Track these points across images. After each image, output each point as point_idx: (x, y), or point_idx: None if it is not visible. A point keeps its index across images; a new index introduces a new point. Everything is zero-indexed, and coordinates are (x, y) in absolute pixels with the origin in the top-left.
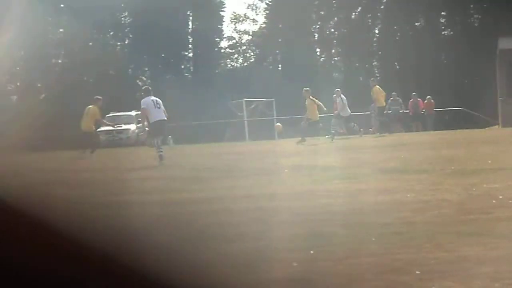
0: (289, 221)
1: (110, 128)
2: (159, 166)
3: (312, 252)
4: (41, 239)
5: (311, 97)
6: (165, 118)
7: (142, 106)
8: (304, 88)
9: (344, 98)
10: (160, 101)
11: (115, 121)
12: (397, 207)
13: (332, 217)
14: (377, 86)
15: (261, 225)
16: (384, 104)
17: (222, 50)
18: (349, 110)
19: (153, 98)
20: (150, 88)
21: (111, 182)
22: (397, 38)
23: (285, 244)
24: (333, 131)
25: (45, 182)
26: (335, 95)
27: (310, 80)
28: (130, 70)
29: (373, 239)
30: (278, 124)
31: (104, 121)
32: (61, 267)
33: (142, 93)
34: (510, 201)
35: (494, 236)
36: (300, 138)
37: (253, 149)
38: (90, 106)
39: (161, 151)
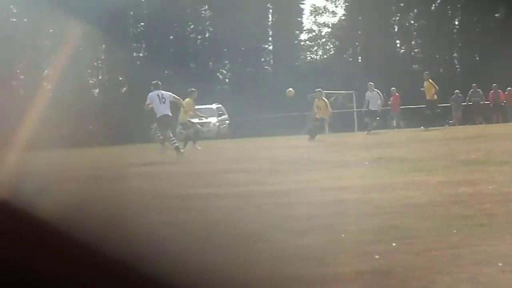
0: (369, 213)
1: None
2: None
3: (394, 244)
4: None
5: (323, 97)
6: (169, 114)
7: (147, 101)
8: (317, 89)
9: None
10: (168, 95)
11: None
12: (478, 199)
13: (412, 210)
14: (430, 80)
15: (341, 217)
16: (434, 98)
17: (302, 43)
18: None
19: (159, 92)
20: (159, 83)
21: (191, 175)
22: (477, 29)
23: (366, 237)
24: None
25: (129, 175)
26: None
27: (389, 71)
28: (210, 63)
29: (454, 231)
30: (291, 89)
31: (198, 113)
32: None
33: (152, 87)
34: None
35: None
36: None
37: (332, 141)
38: (187, 99)
39: (175, 143)
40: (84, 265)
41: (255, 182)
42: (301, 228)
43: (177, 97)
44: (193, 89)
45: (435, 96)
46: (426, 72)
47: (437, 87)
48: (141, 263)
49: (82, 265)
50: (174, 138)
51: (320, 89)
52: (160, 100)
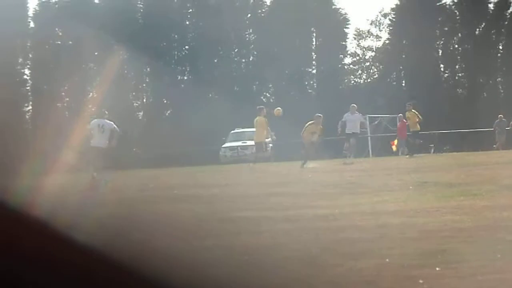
0: (414, 237)
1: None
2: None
3: (438, 269)
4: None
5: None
6: (103, 146)
7: (88, 127)
8: (317, 115)
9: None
10: (108, 125)
11: (239, 137)
12: None
13: (458, 234)
14: (413, 110)
15: (386, 241)
16: (417, 128)
17: (346, 67)
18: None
19: (100, 121)
20: (106, 112)
21: (240, 197)
22: None
23: (411, 261)
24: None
25: (172, 198)
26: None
27: (433, 96)
28: (254, 86)
29: (499, 256)
30: (279, 108)
31: (269, 129)
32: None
33: (94, 116)
34: None
35: None
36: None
37: (376, 165)
38: (257, 118)
39: (102, 178)
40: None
41: (302, 205)
42: (349, 252)
43: (117, 128)
44: (261, 106)
45: (418, 126)
46: (409, 103)
47: (420, 117)
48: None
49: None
50: (102, 173)
51: (320, 114)
52: (99, 129)
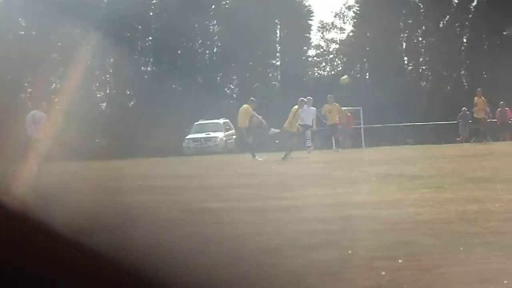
0: (377, 229)
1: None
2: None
3: (400, 261)
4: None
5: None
6: (36, 137)
7: (26, 118)
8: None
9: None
10: (41, 117)
11: (203, 128)
12: (485, 216)
13: (420, 226)
14: (336, 103)
15: (349, 233)
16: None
17: (310, 59)
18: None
19: (35, 113)
20: (44, 103)
21: (204, 189)
22: (485, 47)
23: (374, 253)
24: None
25: (135, 189)
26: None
27: (397, 88)
28: (218, 78)
29: (461, 248)
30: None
31: (257, 116)
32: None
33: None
34: None
35: None
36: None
37: (340, 157)
38: (244, 105)
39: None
40: (92, 276)
41: (266, 197)
42: (312, 243)
43: (45, 119)
44: (253, 98)
45: (337, 119)
46: (330, 95)
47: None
48: (150, 276)
49: (90, 275)
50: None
51: (306, 99)
52: (33, 120)
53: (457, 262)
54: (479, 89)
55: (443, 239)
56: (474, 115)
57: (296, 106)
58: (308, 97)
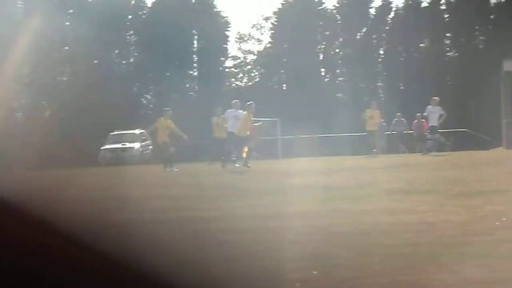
0: (292, 241)
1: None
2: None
3: (315, 272)
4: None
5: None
6: None
7: None
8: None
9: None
10: None
11: (119, 139)
12: (400, 228)
13: (335, 238)
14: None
15: (264, 244)
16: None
17: (227, 70)
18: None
19: None
20: None
21: (118, 200)
22: (401, 58)
23: (288, 264)
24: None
25: (50, 200)
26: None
27: (314, 100)
28: (135, 88)
29: (377, 260)
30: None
31: (179, 130)
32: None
33: None
34: None
35: (498, 258)
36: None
37: (257, 168)
38: (161, 118)
39: None
40: None
41: (182, 208)
42: (227, 254)
43: None
44: (168, 108)
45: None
46: (249, 103)
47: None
48: None
49: None
50: None
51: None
52: None
53: (373, 274)
54: (373, 102)
55: (359, 251)
56: (367, 127)
57: (246, 112)
58: (235, 101)
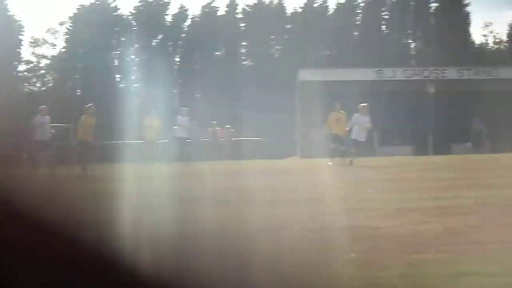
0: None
1: None
2: None
3: None
4: None
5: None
6: None
7: None
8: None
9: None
10: None
11: None
12: None
13: None
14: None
15: None
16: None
17: (20, 74)
18: None
19: None
20: None
21: None
22: (198, 66)
23: None
24: None
25: None
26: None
27: (109, 105)
28: None
29: None
30: None
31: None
32: None
33: None
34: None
35: None
36: None
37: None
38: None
39: None
40: None
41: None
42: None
43: None
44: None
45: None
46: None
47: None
48: None
49: None
50: None
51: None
52: None
53: None
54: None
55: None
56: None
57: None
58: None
